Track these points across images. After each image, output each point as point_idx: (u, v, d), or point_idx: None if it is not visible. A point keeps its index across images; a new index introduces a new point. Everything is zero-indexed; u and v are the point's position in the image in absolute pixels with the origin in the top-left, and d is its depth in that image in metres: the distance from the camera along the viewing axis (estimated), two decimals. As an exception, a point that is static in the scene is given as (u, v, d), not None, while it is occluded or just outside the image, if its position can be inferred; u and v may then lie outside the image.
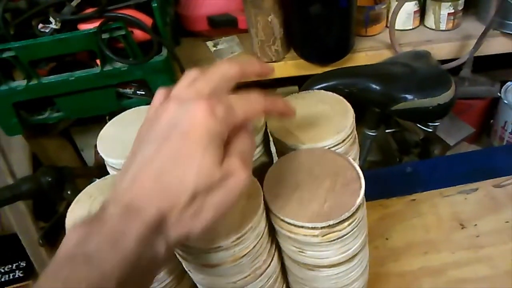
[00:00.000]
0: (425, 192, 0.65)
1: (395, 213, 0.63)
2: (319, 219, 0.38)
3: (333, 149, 0.45)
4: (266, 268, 0.42)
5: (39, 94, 0.81)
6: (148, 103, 0.56)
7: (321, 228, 0.38)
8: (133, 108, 0.53)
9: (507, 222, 0.60)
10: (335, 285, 0.45)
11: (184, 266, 0.41)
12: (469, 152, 0.85)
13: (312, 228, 0.38)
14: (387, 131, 1.12)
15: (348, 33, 0.93)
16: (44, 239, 1.03)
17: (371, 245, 0.59)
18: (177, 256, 0.40)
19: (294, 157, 0.44)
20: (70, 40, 0.74)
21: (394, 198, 0.65)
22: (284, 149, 0.46)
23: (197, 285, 0.44)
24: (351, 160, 0.42)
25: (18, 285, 1.22)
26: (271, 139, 0.48)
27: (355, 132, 0.49)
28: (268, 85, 1.12)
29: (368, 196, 0.65)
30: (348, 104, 0.48)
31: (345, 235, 0.39)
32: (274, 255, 0.44)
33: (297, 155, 0.44)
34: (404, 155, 1.14)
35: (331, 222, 0.38)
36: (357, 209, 0.39)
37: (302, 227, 0.38)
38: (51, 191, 0.81)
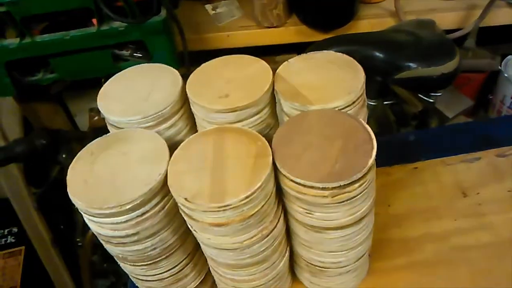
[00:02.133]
0: (427, 161, 0.65)
1: (398, 181, 0.63)
2: (330, 179, 0.37)
3: (343, 110, 0.44)
4: (273, 229, 0.42)
5: (32, 53, 0.78)
6: None
7: (332, 188, 0.37)
8: (133, 66, 0.51)
9: (509, 191, 0.60)
10: (340, 248, 0.44)
11: (189, 226, 0.41)
12: (473, 122, 0.85)
13: (323, 188, 0.37)
14: (385, 103, 1.11)
15: (353, -2, 0.90)
16: (37, 204, 1.02)
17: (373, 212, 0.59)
18: (182, 214, 0.39)
19: (304, 118, 0.43)
20: (65, -4, 0.70)
21: (396, 166, 0.64)
22: (293, 111, 0.45)
23: (201, 245, 0.43)
24: (363, 122, 0.41)
25: (10, 250, 1.22)
26: (278, 100, 0.46)
27: (365, 95, 0.48)
28: (268, 52, 1.09)
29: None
30: (358, 65, 0.47)
31: (354, 196, 0.39)
32: (280, 216, 0.43)
33: (306, 116, 0.43)
34: (402, 127, 1.14)
35: (342, 183, 0.37)
36: (369, 171, 0.38)
37: (312, 187, 0.37)
38: (45, 154, 0.79)
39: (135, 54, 0.84)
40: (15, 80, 0.83)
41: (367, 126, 0.40)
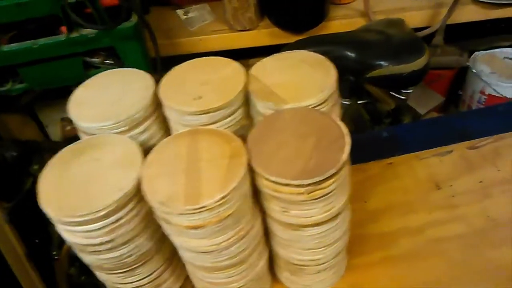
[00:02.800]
0: (401, 156, 0.66)
1: (373, 177, 0.63)
2: (305, 176, 0.37)
3: (316, 108, 0.44)
4: (250, 230, 0.42)
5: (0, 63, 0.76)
6: None
7: (307, 185, 0.37)
8: (103, 72, 0.50)
9: (481, 182, 0.61)
10: (318, 245, 0.45)
11: (164, 230, 0.40)
12: (444, 116, 0.87)
13: (298, 185, 0.37)
14: (358, 102, 1.13)
15: (323, 0, 0.91)
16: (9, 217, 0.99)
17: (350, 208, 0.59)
18: (158, 219, 0.39)
19: (278, 117, 0.43)
20: (32, 4, 0.69)
21: (371, 162, 0.65)
22: (266, 110, 0.45)
23: (178, 249, 0.43)
24: (336, 119, 0.41)
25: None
26: (252, 101, 0.46)
27: (338, 92, 0.48)
28: (241, 55, 1.09)
29: (347, 161, 0.65)
30: (330, 63, 0.47)
31: (329, 192, 0.39)
32: (258, 217, 0.43)
33: (280, 115, 0.43)
34: (376, 125, 1.15)
35: (317, 179, 0.37)
36: (343, 166, 0.38)
37: (287, 185, 0.38)
38: (16, 166, 0.77)
39: (106, 61, 0.83)
40: (-18, 91, 0.81)
41: (340, 123, 0.41)
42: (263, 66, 0.48)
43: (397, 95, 0.92)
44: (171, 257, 0.47)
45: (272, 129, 0.41)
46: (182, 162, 0.39)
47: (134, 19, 0.77)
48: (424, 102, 1.15)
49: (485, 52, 1.20)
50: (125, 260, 0.42)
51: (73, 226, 0.38)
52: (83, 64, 0.82)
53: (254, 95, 0.45)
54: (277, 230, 0.45)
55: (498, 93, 1.13)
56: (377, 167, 0.65)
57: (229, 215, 0.37)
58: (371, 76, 0.82)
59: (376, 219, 0.58)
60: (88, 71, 0.83)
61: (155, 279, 0.47)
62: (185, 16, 0.97)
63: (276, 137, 0.41)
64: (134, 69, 0.50)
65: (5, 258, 1.08)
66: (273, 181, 0.38)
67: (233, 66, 0.47)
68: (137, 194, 0.39)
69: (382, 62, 0.80)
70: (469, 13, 0.97)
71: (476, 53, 1.20)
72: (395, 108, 1.06)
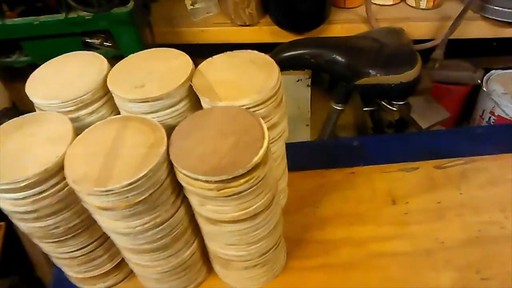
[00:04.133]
0: (366, 166, 0.65)
1: (331, 184, 0.63)
2: (214, 173, 0.38)
3: (252, 109, 0.45)
4: (169, 218, 0.43)
5: (3, 35, 0.81)
6: (115, 55, 0.56)
7: (215, 182, 0.38)
8: (66, 54, 0.53)
9: (439, 202, 0.60)
10: (239, 242, 0.46)
11: (85, 207, 0.42)
12: (417, 132, 0.85)
13: (207, 181, 0.38)
14: (365, 109, 1.12)
15: (324, 2, 0.91)
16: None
17: (301, 212, 0.60)
18: (78, 196, 0.41)
19: (208, 113, 0.44)
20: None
21: (333, 169, 0.65)
22: (206, 105, 0.46)
23: (103, 230, 0.45)
24: (262, 121, 0.42)
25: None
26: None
27: (282, 96, 0.49)
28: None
29: (309, 165, 0.66)
30: (276, 66, 0.48)
31: (242, 192, 0.40)
32: (180, 207, 0.44)
33: (211, 112, 0.44)
34: (377, 134, 1.14)
35: (224, 177, 0.38)
36: (255, 168, 0.39)
37: (197, 179, 0.39)
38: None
39: (105, 43, 0.87)
40: (-11, 60, 0.86)
41: (264, 125, 0.41)
42: (212, 63, 0.49)
43: (388, 106, 0.90)
44: (106, 235, 0.49)
45: (198, 125, 0.43)
46: (106, 146, 0.41)
47: (130, 5, 0.80)
48: (428, 116, 1.13)
49: (501, 71, 1.15)
50: (53, 231, 0.45)
51: (0, 193, 0.41)
52: (83, 44, 0.85)
53: (195, 89, 0.46)
54: (200, 222, 0.46)
55: (507, 115, 1.09)
56: (338, 174, 0.65)
57: (139, 202, 0.39)
58: (360, 84, 0.81)
59: (322, 226, 0.58)
60: (88, 51, 0.87)
61: (88, 253, 0.49)
62: (192, 6, 0.99)
63: (199, 133, 0.42)
64: (95, 53, 0.52)
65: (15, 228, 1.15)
66: (185, 175, 0.39)
67: (184, 59, 0.49)
68: (62, 171, 0.41)
69: (370, 71, 0.79)
70: (477, 30, 0.94)
71: (492, 71, 1.16)
72: (398, 119, 1.04)
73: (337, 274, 0.54)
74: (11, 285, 1.24)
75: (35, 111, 0.48)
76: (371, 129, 1.18)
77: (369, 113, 1.14)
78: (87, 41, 0.86)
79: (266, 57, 0.49)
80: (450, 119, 1.13)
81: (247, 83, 0.46)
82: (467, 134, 0.69)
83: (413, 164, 0.65)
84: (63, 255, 0.49)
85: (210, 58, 0.50)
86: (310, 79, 1.15)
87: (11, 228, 1.16)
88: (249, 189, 0.40)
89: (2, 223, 1.24)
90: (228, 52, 0.51)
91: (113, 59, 0.51)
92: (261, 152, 0.39)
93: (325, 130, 0.99)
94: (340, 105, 0.95)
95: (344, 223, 0.58)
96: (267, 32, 0.95)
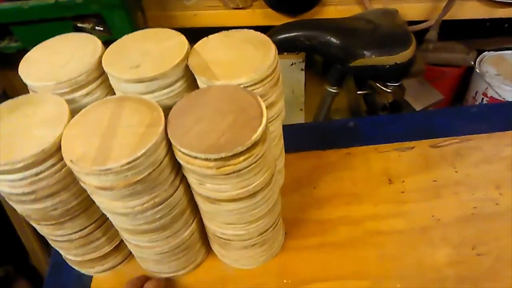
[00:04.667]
0: (361, 147, 0.66)
1: (328, 164, 0.64)
2: (213, 151, 0.38)
3: (250, 88, 0.45)
4: (168, 198, 0.43)
5: (-8, 20, 0.80)
6: (107, 40, 0.55)
7: (214, 160, 0.38)
8: (59, 35, 0.52)
9: (435, 181, 0.60)
10: (238, 221, 0.46)
11: (84, 187, 0.42)
12: (410, 113, 0.85)
13: (206, 159, 0.38)
14: (358, 92, 1.12)
15: (317, -16, 0.90)
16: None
17: (298, 193, 0.61)
18: (76, 177, 0.41)
19: (205, 92, 0.44)
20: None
21: (330, 150, 0.65)
22: (202, 85, 0.46)
23: (102, 211, 0.45)
24: (260, 99, 0.42)
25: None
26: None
27: (279, 75, 0.49)
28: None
29: (305, 147, 0.66)
30: (273, 45, 0.47)
31: (241, 170, 0.40)
32: (178, 186, 0.44)
33: (208, 91, 0.44)
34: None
35: (223, 155, 0.38)
36: (254, 145, 0.39)
37: (196, 157, 0.39)
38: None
39: (96, 28, 0.85)
40: (-22, 46, 0.85)
41: (262, 104, 0.41)
42: (208, 42, 0.49)
43: (383, 88, 0.90)
44: (104, 217, 0.49)
45: (195, 104, 0.42)
46: (102, 126, 0.41)
47: (122, -12, 0.79)
48: (422, 98, 1.13)
49: (494, 52, 1.16)
50: (51, 213, 0.44)
51: (-3, 175, 0.40)
52: (74, 29, 0.84)
53: (192, 69, 0.46)
54: (199, 201, 0.46)
55: (500, 96, 1.09)
56: (334, 155, 0.65)
57: (138, 181, 0.39)
58: (355, 65, 0.81)
59: (320, 206, 0.59)
60: (79, 35, 0.85)
61: (86, 235, 0.49)
62: (184, -11, 0.98)
63: (197, 112, 0.42)
64: (88, 35, 0.51)
65: (5, 210, 1.14)
66: (184, 153, 0.39)
67: (179, 39, 0.48)
68: (58, 152, 0.41)
69: (365, 52, 0.79)
70: (471, 10, 0.94)
71: (485, 53, 1.17)
72: (392, 101, 1.05)
73: (335, 253, 0.54)
74: (6, 274, 1.23)
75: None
76: (365, 112, 1.18)
77: (363, 96, 1.14)
78: (79, 26, 0.85)
79: (263, 36, 0.49)
80: (443, 101, 1.14)
81: (244, 62, 0.46)
82: (461, 114, 0.69)
83: (409, 144, 0.65)
84: (60, 238, 0.48)
85: (205, 37, 0.50)
86: (304, 63, 1.15)
87: (4, 217, 1.16)
88: (248, 167, 0.40)
89: (-4, 214, 1.24)
90: (224, 31, 0.50)
91: (105, 43, 0.50)
92: (260, 129, 0.39)
93: (319, 113, 0.99)
94: (334, 88, 0.95)
95: (341, 203, 0.59)
96: (261, 15, 0.94)
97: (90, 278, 0.55)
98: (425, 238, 0.54)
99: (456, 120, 0.68)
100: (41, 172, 0.40)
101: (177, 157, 0.41)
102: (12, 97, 0.46)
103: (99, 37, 0.50)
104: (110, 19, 0.81)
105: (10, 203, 0.44)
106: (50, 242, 0.51)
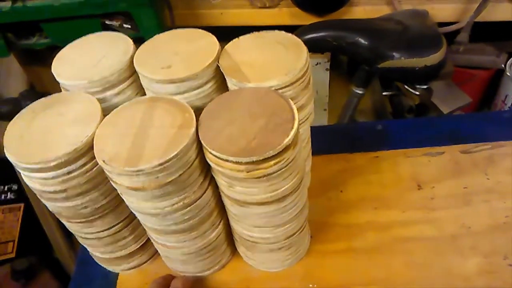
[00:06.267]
0: (390, 151, 0.64)
1: (355, 168, 0.63)
2: (244, 154, 0.38)
3: (281, 91, 0.44)
4: (197, 200, 0.43)
5: (24, 17, 0.81)
6: (135, 37, 0.55)
7: (245, 163, 0.38)
8: (92, 34, 0.52)
9: (465, 188, 0.59)
10: (266, 224, 0.46)
11: (115, 187, 0.42)
12: (441, 117, 0.83)
13: (236, 162, 0.38)
14: (384, 93, 1.10)
15: (346, -16, 0.89)
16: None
17: (325, 196, 0.60)
18: (108, 176, 0.41)
19: (237, 94, 0.43)
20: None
21: (357, 153, 0.64)
22: (233, 87, 0.46)
23: (132, 211, 0.45)
24: (291, 103, 0.41)
25: (9, 206, 1.26)
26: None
27: (310, 78, 0.48)
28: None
29: (332, 149, 0.65)
30: (304, 47, 0.47)
31: (271, 173, 0.39)
32: (207, 188, 0.44)
33: (240, 93, 0.43)
34: (397, 119, 1.13)
35: (254, 159, 0.37)
36: (285, 149, 0.39)
37: (227, 160, 0.38)
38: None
39: (124, 25, 0.86)
40: (9, 42, 0.87)
41: (294, 107, 0.41)
42: (239, 43, 0.48)
43: (411, 90, 0.88)
44: (132, 216, 0.50)
45: (227, 106, 0.42)
46: (134, 127, 0.41)
47: (151, -14, 0.79)
48: (450, 101, 1.11)
49: (525, 55, 1.12)
50: (81, 211, 0.45)
51: (30, 172, 0.41)
52: (102, 26, 0.85)
53: (223, 70, 0.46)
54: (227, 204, 0.46)
55: (531, 100, 1.06)
56: (362, 159, 0.64)
57: (169, 182, 0.39)
58: (383, 67, 0.80)
59: (347, 210, 0.58)
60: (107, 33, 0.86)
61: (114, 233, 0.50)
62: (210, -12, 0.98)
63: (228, 114, 0.41)
64: (120, 34, 0.52)
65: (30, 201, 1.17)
66: (215, 156, 0.39)
67: (210, 40, 0.48)
68: (90, 151, 0.41)
69: (394, 53, 0.78)
70: (504, 12, 0.91)
71: (516, 55, 1.13)
72: (418, 104, 1.03)
73: (361, 258, 0.53)
74: (30, 265, 1.26)
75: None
76: (391, 114, 1.16)
77: (388, 98, 1.13)
78: (107, 23, 0.86)
79: (294, 38, 0.48)
80: (471, 104, 1.11)
81: (275, 64, 0.46)
82: (494, 118, 0.68)
83: (439, 149, 0.64)
84: (89, 235, 0.49)
85: (236, 38, 0.49)
86: (329, 63, 1.14)
87: (30, 209, 1.18)
88: (278, 171, 0.40)
89: (22, 204, 1.26)
90: (254, 32, 0.50)
91: (133, 41, 0.50)
92: (292, 133, 0.39)
93: (344, 114, 0.98)
94: (360, 89, 0.94)
95: (369, 207, 0.58)
96: (287, 14, 0.93)
97: (116, 275, 0.56)
98: (455, 246, 0.53)
99: (488, 125, 0.66)
100: (73, 170, 0.41)
101: (207, 159, 0.41)
102: (41, 92, 0.46)
103: (127, 35, 0.51)
104: (137, 17, 0.81)
105: (42, 200, 0.45)
106: (78, 239, 0.51)
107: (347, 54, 0.90)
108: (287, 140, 0.38)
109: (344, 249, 0.54)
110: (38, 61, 1.13)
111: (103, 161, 0.38)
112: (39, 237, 1.25)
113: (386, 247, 0.54)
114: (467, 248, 0.53)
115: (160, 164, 0.37)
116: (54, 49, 0.96)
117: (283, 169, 0.40)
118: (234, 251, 0.55)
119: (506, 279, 0.50)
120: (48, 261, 1.29)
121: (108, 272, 0.56)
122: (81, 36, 0.86)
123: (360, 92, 0.93)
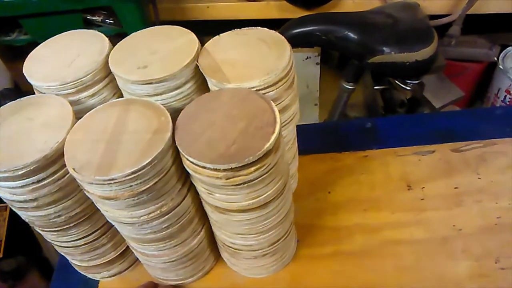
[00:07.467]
0: (379, 150, 0.63)
1: (344, 168, 0.61)
2: (222, 161, 0.36)
3: (262, 91, 0.42)
4: (175, 207, 0.41)
5: (2, 13, 0.78)
6: (117, 33, 0.53)
7: (224, 170, 0.36)
8: (66, 32, 0.50)
9: (456, 188, 0.57)
10: (248, 231, 0.44)
11: (89, 197, 0.40)
12: (431, 114, 0.82)
13: (214, 169, 0.36)
14: (375, 87, 1.08)
15: (335, -24, 0.87)
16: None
17: (313, 197, 0.58)
18: (79, 185, 0.39)
19: (216, 96, 0.41)
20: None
21: (346, 153, 0.63)
22: (213, 87, 0.44)
23: (107, 219, 0.43)
24: (273, 105, 0.39)
25: None
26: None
27: (294, 77, 0.46)
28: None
29: (320, 148, 0.63)
30: (288, 45, 0.45)
31: (252, 180, 0.37)
32: (186, 195, 0.42)
33: (219, 94, 0.41)
34: (389, 113, 1.11)
35: (233, 165, 0.35)
36: (266, 155, 0.37)
37: (204, 167, 0.36)
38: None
39: (107, 20, 0.83)
40: (-13, 39, 0.84)
41: (276, 110, 0.39)
42: (219, 41, 0.46)
43: (402, 85, 0.87)
44: (109, 224, 0.48)
45: (206, 109, 0.40)
46: (107, 132, 0.38)
47: (133, -20, 0.76)
48: (442, 95, 1.09)
49: (518, 48, 1.10)
50: (54, 220, 0.43)
51: (-2, 181, 0.38)
52: (84, 21, 0.82)
53: (202, 70, 0.43)
54: (208, 210, 0.44)
55: (524, 94, 1.05)
56: (351, 158, 0.62)
57: (144, 191, 0.37)
58: (373, 61, 0.78)
59: (335, 212, 0.56)
60: (89, 28, 0.83)
61: (91, 241, 0.48)
62: (197, -19, 0.95)
63: (207, 117, 0.39)
64: (96, 32, 0.49)
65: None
66: (191, 162, 0.37)
67: (189, 38, 0.46)
68: (61, 158, 0.39)
69: (384, 48, 0.76)
70: (497, 4, 0.89)
71: (509, 48, 1.11)
72: (410, 98, 1.01)
73: (350, 262, 0.52)
74: (18, 265, 1.24)
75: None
76: (382, 108, 1.14)
77: (380, 92, 1.11)
78: (89, 18, 0.83)
79: (277, 35, 0.46)
80: (463, 98, 1.09)
81: (257, 63, 0.43)
82: (485, 115, 0.66)
83: (429, 147, 0.62)
84: (65, 244, 0.47)
85: (217, 36, 0.47)
86: (319, 57, 1.11)
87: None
88: (259, 177, 0.38)
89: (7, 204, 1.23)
90: (236, 29, 0.48)
91: (116, 36, 0.48)
92: (273, 138, 0.37)
93: (335, 109, 0.96)
94: (351, 84, 0.92)
95: (358, 209, 0.56)
96: (275, 7, 0.91)
97: (96, 282, 0.54)
98: (446, 249, 0.52)
99: (480, 122, 0.65)
100: (43, 179, 0.39)
101: (185, 166, 0.39)
102: (24, 91, 0.44)
103: (109, 30, 0.48)
104: (120, 12, 0.78)
105: (14, 209, 0.42)
106: (55, 247, 0.49)
107: (336, 49, 0.88)
108: (268, 145, 0.36)
109: (332, 253, 0.53)
110: (21, 57, 1.10)
111: (74, 169, 0.36)
112: (27, 236, 1.23)
113: (375, 251, 0.52)
114: (459, 251, 0.51)
115: (133, 173, 0.35)
116: (36, 46, 0.93)
117: (265, 175, 0.38)
118: (218, 257, 0.53)
119: (498, 283, 0.49)
120: (37, 261, 1.27)
121: (88, 279, 0.54)
122: (62, 32, 0.83)
123: (350, 87, 0.91)
